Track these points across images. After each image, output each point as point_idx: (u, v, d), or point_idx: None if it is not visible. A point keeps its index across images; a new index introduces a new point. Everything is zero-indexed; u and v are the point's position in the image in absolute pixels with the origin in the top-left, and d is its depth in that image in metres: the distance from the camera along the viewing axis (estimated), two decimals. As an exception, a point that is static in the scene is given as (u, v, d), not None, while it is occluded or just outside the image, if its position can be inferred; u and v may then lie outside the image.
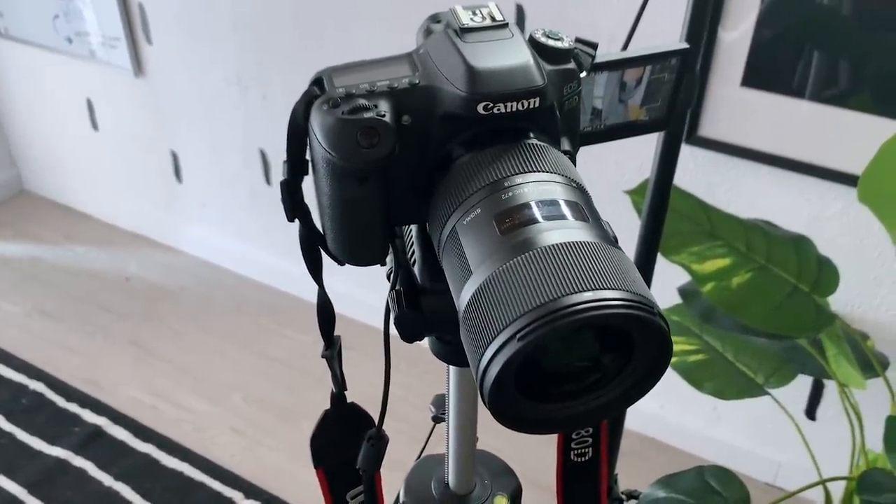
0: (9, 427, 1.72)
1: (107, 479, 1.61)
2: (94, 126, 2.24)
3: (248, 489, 1.59)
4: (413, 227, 0.47)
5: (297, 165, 0.41)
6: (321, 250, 0.44)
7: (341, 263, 0.45)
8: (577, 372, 0.35)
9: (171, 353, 1.94)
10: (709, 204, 1.06)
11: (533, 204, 0.35)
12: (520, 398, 0.34)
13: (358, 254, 0.43)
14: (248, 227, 2.12)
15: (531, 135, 0.39)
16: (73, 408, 1.77)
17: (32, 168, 2.51)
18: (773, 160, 1.32)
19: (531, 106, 0.37)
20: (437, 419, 0.73)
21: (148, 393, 1.82)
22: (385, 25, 1.60)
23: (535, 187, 0.36)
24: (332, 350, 0.47)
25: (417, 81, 0.39)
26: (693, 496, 0.99)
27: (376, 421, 0.51)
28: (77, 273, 2.21)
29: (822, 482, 1.09)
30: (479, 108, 0.37)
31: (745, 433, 1.64)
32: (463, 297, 0.34)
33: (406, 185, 0.41)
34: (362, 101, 0.38)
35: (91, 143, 2.28)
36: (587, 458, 0.66)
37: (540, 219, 0.34)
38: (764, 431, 1.62)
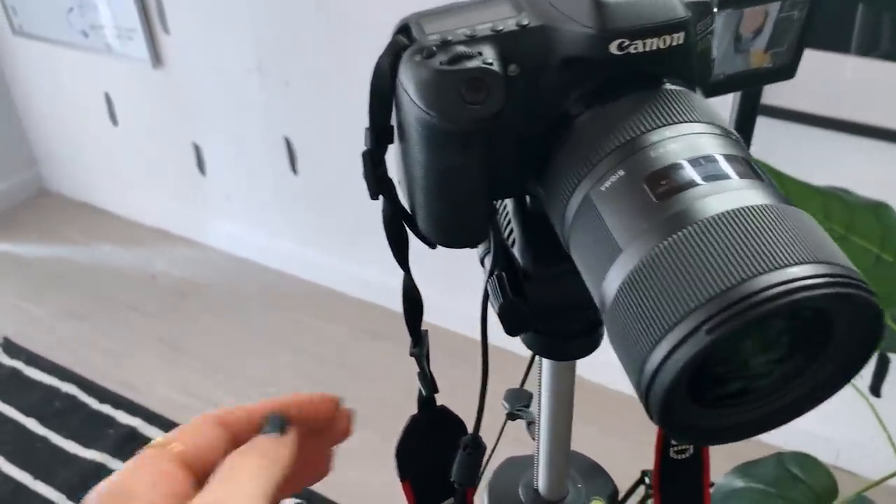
0: (42, 431, 1.68)
1: (144, 482, 1.56)
2: (114, 121, 2.18)
3: (290, 488, 1.54)
4: (509, 202, 0.41)
5: (381, 132, 0.35)
6: (407, 231, 0.38)
7: (433, 246, 0.38)
8: (756, 369, 0.28)
9: (202, 350, 1.89)
10: (781, 171, 0.99)
11: (686, 163, 0.28)
12: (690, 405, 0.27)
13: (455, 233, 0.36)
14: (275, 218, 2.06)
15: (666, 80, 0.32)
16: (106, 409, 1.73)
17: (53, 167, 2.47)
18: (829, 123, 1.24)
19: (674, 43, 0.31)
20: (513, 416, 0.66)
21: (180, 391, 1.77)
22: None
23: (688, 141, 0.29)
24: (421, 347, 0.41)
25: (527, 22, 0.32)
26: (775, 486, 0.92)
27: (470, 428, 0.44)
28: (102, 272, 2.17)
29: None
30: (613, 48, 0.30)
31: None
32: (610, 281, 0.28)
33: (510, 150, 0.34)
34: (463, 49, 0.31)
35: (111, 138, 2.23)
36: (688, 454, 0.60)
37: (700, 180, 0.28)
38: (825, 410, 1.54)
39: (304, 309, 2.00)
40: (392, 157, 0.37)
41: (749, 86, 0.42)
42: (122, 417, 1.71)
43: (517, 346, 0.50)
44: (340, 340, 1.90)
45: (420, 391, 0.43)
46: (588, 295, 0.41)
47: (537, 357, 0.49)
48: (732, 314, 0.24)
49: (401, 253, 0.39)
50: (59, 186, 2.49)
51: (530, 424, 0.65)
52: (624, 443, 1.42)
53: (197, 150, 2.08)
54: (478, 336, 0.41)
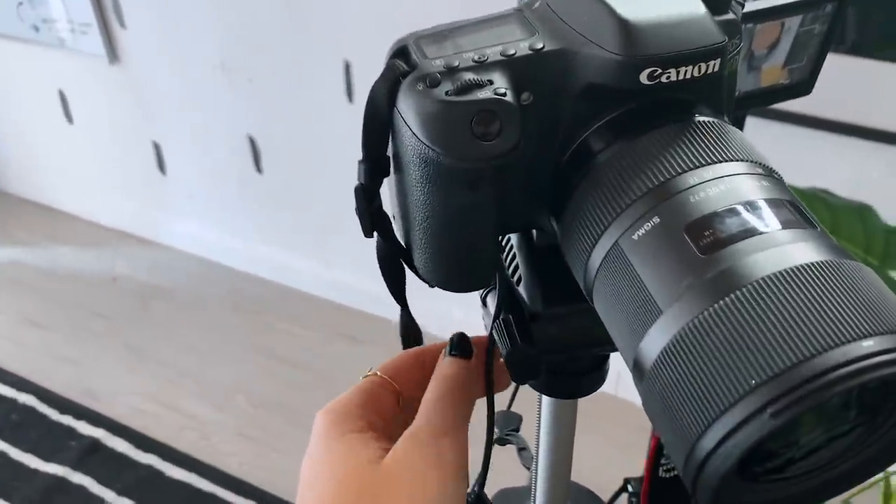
0: (0, 445, 1.61)
1: (109, 495, 1.51)
2: (69, 119, 2.10)
3: (262, 498, 1.50)
4: (513, 237, 0.37)
5: (376, 165, 0.31)
6: (404, 267, 0.34)
7: (431, 286, 0.35)
8: (815, 441, 0.25)
9: (168, 356, 1.83)
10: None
11: (729, 212, 0.25)
12: (741, 482, 0.24)
13: (459, 277, 0.33)
14: (240, 218, 2.01)
15: (696, 111, 0.29)
16: (67, 420, 1.66)
17: (5, 167, 2.38)
18: (806, 121, 1.23)
19: (710, 70, 0.27)
20: (502, 441, 0.63)
21: (146, 400, 1.72)
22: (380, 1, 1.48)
23: (730, 184, 0.26)
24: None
25: (542, 45, 0.28)
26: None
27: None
28: (61, 275, 2.09)
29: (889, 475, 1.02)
30: (643, 77, 0.27)
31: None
32: (649, 344, 0.25)
33: (522, 185, 0.31)
34: (471, 77, 0.28)
35: (66, 137, 2.14)
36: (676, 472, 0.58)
37: (742, 234, 0.25)
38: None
39: (272, 312, 1.95)
40: (386, 188, 0.34)
41: (763, 104, 0.39)
42: (85, 429, 1.64)
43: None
44: (311, 344, 1.85)
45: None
46: (599, 333, 0.38)
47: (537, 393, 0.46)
48: (800, 396, 0.21)
49: (397, 290, 0.35)
50: (11, 187, 2.40)
51: (522, 450, 0.62)
52: (606, 445, 1.40)
53: (157, 148, 2.01)
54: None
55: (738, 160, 0.27)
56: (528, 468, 0.58)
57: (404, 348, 0.38)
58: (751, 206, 0.25)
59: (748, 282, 0.23)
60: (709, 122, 0.28)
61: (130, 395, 1.73)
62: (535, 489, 0.52)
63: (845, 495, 0.82)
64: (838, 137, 1.22)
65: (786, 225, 0.25)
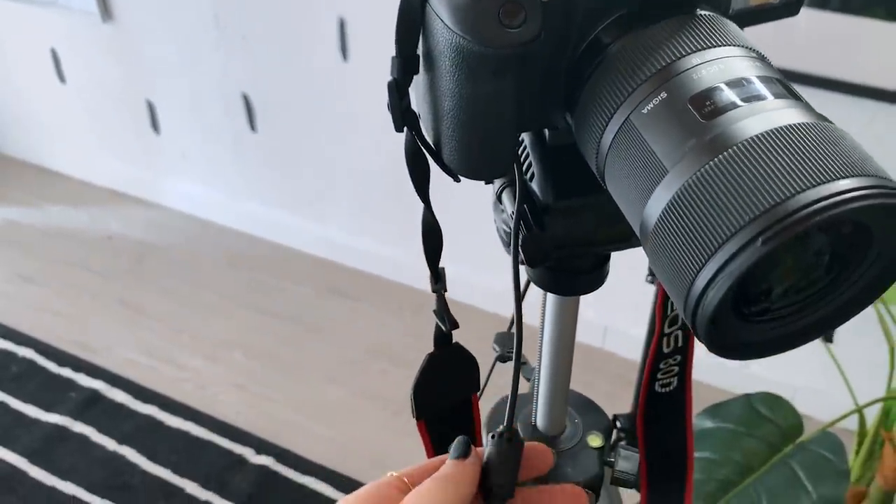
0: (0, 396, 1.65)
1: (110, 444, 1.55)
2: (61, 78, 2.11)
3: (258, 445, 1.54)
4: (526, 138, 0.41)
5: (408, 61, 0.35)
6: (429, 164, 0.38)
7: (457, 179, 0.38)
8: (799, 282, 0.29)
9: (164, 312, 1.86)
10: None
11: (726, 85, 0.29)
12: (733, 319, 0.28)
13: (483, 165, 0.37)
14: (234, 177, 2.03)
15: (697, 5, 0.33)
16: (66, 372, 1.70)
17: (-4, 127, 2.38)
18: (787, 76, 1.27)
19: (710, -31, 0.31)
20: (503, 358, 0.68)
21: (144, 354, 1.75)
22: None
23: (727, 64, 0.30)
24: (440, 283, 0.41)
25: (561, -52, 0.32)
26: (744, 424, 0.96)
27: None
28: (56, 234, 2.11)
29: (861, 408, 1.07)
30: (651, -25, 0.31)
31: (760, 361, 1.63)
32: (655, 201, 0.28)
33: (539, 79, 0.34)
34: (498, -27, 0.31)
35: (59, 96, 2.15)
36: (672, 387, 0.62)
37: (741, 102, 0.28)
38: (779, 357, 1.60)
39: (266, 269, 1.98)
40: (414, 90, 0.37)
41: (752, 23, 0.42)
42: (84, 380, 1.68)
43: (499, 307, 0.51)
44: (304, 299, 1.89)
45: (437, 328, 0.43)
46: (604, 230, 0.42)
47: (541, 293, 0.50)
48: (787, 225, 0.25)
49: (421, 186, 0.39)
50: (4, 148, 2.41)
51: (523, 364, 0.66)
52: (592, 394, 1.45)
53: (150, 107, 2.02)
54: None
55: (735, 45, 0.31)
56: (529, 380, 0.62)
57: (424, 247, 0.41)
58: (746, 81, 0.29)
59: (742, 139, 0.27)
60: (709, 15, 0.32)
61: (127, 349, 1.76)
62: (536, 393, 0.57)
63: (824, 425, 0.86)
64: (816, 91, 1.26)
65: (775, 96, 0.29)
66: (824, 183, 0.25)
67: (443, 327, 0.42)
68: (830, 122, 0.28)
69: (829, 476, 0.90)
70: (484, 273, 1.68)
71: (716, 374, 1.59)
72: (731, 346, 0.29)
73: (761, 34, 0.45)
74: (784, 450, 0.95)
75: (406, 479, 0.35)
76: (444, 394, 0.47)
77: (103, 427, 1.58)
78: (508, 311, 0.42)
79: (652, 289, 0.63)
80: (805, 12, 1.16)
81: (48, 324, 1.82)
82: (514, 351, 0.36)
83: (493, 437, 0.36)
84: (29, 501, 1.45)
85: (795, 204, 0.25)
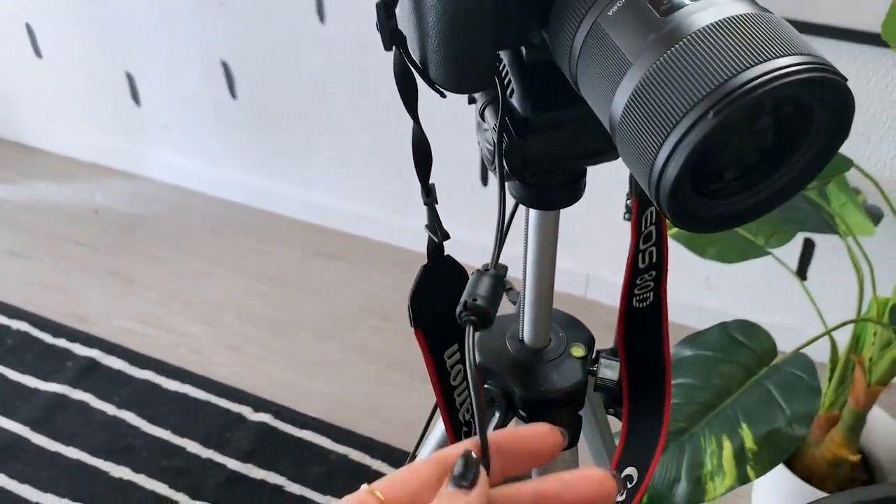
0: (-2, 368, 1.67)
1: (110, 409, 1.58)
2: (38, 53, 2.11)
3: (256, 403, 1.58)
4: (505, 57, 0.44)
5: (395, -19, 0.38)
6: (416, 82, 0.41)
7: (443, 95, 0.42)
8: (748, 160, 0.33)
9: (154, 281, 1.89)
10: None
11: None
12: (693, 196, 0.32)
13: (465, 77, 0.40)
14: (216, 145, 2.05)
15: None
16: (62, 343, 1.73)
17: (-26, 106, 2.38)
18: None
19: None
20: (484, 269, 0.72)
21: (137, 321, 1.78)
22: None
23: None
24: (432, 196, 0.45)
25: None
26: (721, 351, 1.01)
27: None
28: (41, 210, 2.13)
29: (831, 330, 1.12)
30: None
31: (737, 300, 1.69)
32: (621, 92, 0.32)
33: (514, -2, 0.38)
34: None
35: (36, 72, 2.15)
36: (648, 302, 0.66)
37: (689, 0, 0.32)
38: (755, 297, 1.66)
39: (254, 235, 2.01)
40: (401, 11, 0.41)
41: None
42: (80, 350, 1.71)
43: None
44: (293, 262, 1.93)
45: (430, 240, 0.47)
46: (579, 143, 0.46)
47: (522, 209, 0.54)
48: (734, 98, 0.28)
49: (410, 103, 0.42)
50: (-18, 126, 2.41)
51: (509, 290, 0.70)
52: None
53: (130, 79, 2.03)
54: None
55: None
56: (514, 303, 0.66)
57: (415, 161, 0.45)
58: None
59: (694, 29, 0.31)
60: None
61: (121, 318, 1.79)
62: (522, 311, 0.61)
63: (797, 347, 0.91)
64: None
65: None
66: (766, 61, 0.29)
67: (435, 239, 0.46)
68: (771, 13, 0.32)
69: (802, 393, 0.95)
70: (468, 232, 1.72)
71: (693, 315, 1.64)
72: (690, 218, 0.33)
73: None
74: (759, 372, 1.00)
75: (380, 495, 0.30)
76: (438, 302, 0.51)
77: (102, 393, 1.61)
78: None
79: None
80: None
81: (41, 297, 1.85)
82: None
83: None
84: (34, 467, 1.48)
85: (741, 80, 0.29)
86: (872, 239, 1.20)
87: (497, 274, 0.38)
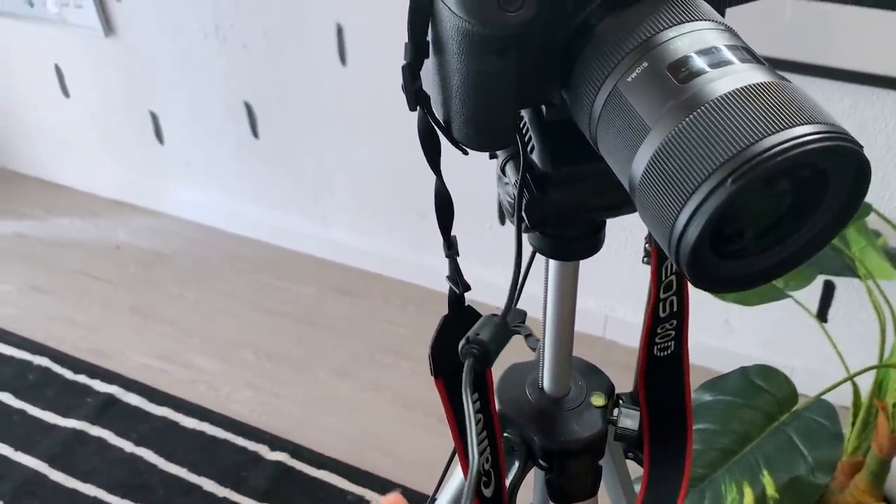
0: (18, 404, 1.69)
1: (128, 446, 1.59)
2: (65, 93, 2.16)
3: (272, 441, 1.58)
4: (526, 115, 0.45)
5: (419, 46, 0.39)
6: (440, 140, 0.42)
7: (465, 152, 0.43)
8: (767, 221, 0.34)
9: (174, 317, 1.90)
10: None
11: (697, 54, 0.34)
12: (712, 256, 0.33)
13: (488, 137, 0.41)
14: (237, 183, 2.07)
15: (672, -13, 0.37)
16: (82, 379, 1.74)
17: (3, 143, 2.42)
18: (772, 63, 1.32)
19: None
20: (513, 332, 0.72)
21: (156, 358, 1.79)
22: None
23: (698, 36, 0.34)
24: (452, 248, 0.45)
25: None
26: (741, 396, 1.00)
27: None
28: (64, 246, 2.16)
29: (853, 376, 1.11)
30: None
31: (757, 343, 1.67)
32: (640, 157, 0.33)
33: (535, 58, 0.39)
34: (497, -37, 0.35)
35: (63, 111, 2.20)
36: (669, 351, 0.66)
37: (709, 68, 0.33)
38: (775, 339, 1.64)
39: (272, 271, 2.02)
40: (425, 73, 0.42)
41: (734, 3, 0.47)
42: (99, 386, 1.72)
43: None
44: (311, 299, 1.94)
45: (451, 290, 0.48)
46: (598, 197, 0.47)
47: (542, 271, 0.54)
48: (751, 167, 0.29)
49: (434, 160, 0.43)
50: (11, 163, 2.45)
51: (528, 336, 0.70)
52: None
53: (154, 118, 2.07)
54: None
55: (705, 20, 0.35)
56: (534, 349, 0.66)
57: (437, 215, 0.46)
58: (715, 49, 0.34)
59: (712, 97, 0.31)
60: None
61: (140, 355, 1.80)
62: (542, 359, 0.61)
63: (819, 393, 0.90)
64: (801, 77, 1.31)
65: (741, 61, 0.33)
66: (784, 129, 0.30)
67: (456, 290, 0.47)
68: (789, 81, 0.32)
69: (824, 440, 0.94)
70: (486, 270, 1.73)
71: (713, 357, 1.63)
72: (711, 280, 0.33)
73: (747, 23, 0.50)
74: (780, 418, 0.99)
75: None
76: (458, 353, 0.51)
77: (120, 430, 1.62)
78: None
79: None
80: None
81: (62, 332, 1.86)
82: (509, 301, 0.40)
83: None
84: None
85: (759, 148, 0.29)
86: (894, 282, 1.19)
87: (504, 321, 0.39)
